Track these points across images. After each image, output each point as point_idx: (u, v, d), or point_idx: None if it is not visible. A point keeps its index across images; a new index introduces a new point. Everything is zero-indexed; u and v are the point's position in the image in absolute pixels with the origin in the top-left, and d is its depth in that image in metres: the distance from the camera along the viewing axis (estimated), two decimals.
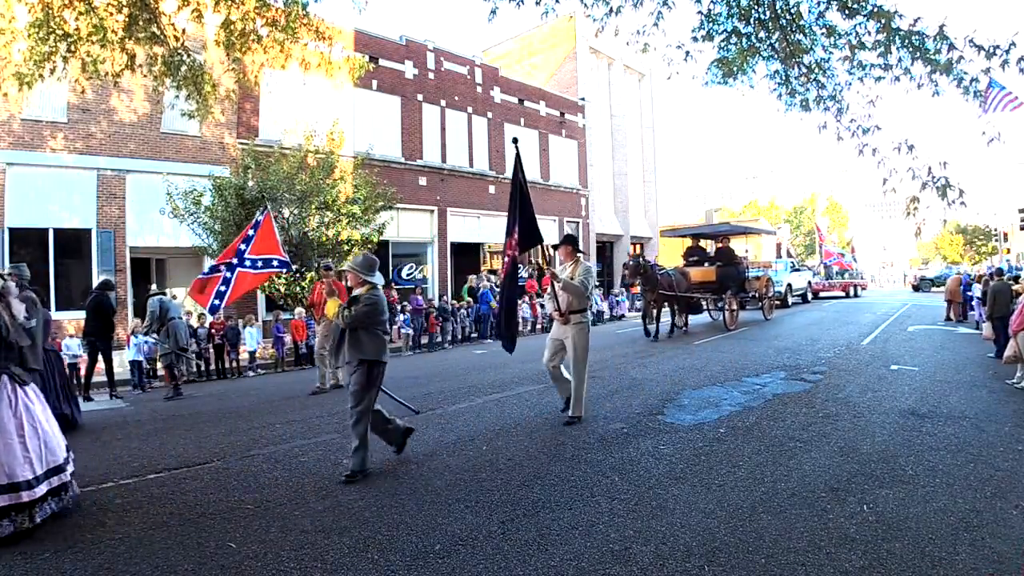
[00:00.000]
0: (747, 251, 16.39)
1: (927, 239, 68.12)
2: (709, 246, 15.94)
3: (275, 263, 8.40)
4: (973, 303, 13.76)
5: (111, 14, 5.92)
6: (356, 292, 4.34)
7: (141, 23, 6.14)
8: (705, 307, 14.07)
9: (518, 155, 5.65)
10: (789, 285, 20.31)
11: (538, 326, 16.96)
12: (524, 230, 5.51)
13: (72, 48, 5.93)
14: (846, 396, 6.23)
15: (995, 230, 34.55)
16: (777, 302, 18.98)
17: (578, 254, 5.69)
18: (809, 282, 23.19)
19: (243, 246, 8.07)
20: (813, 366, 8.13)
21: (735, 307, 13.63)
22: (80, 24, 5.82)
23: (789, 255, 26.39)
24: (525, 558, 2.83)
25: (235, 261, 7.99)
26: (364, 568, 2.79)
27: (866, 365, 8.17)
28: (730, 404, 6.02)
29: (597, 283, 18.41)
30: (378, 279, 4.40)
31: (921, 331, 12.30)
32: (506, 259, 5.58)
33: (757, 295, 15.01)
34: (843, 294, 25.73)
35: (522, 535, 3.09)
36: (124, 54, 6.31)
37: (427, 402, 6.76)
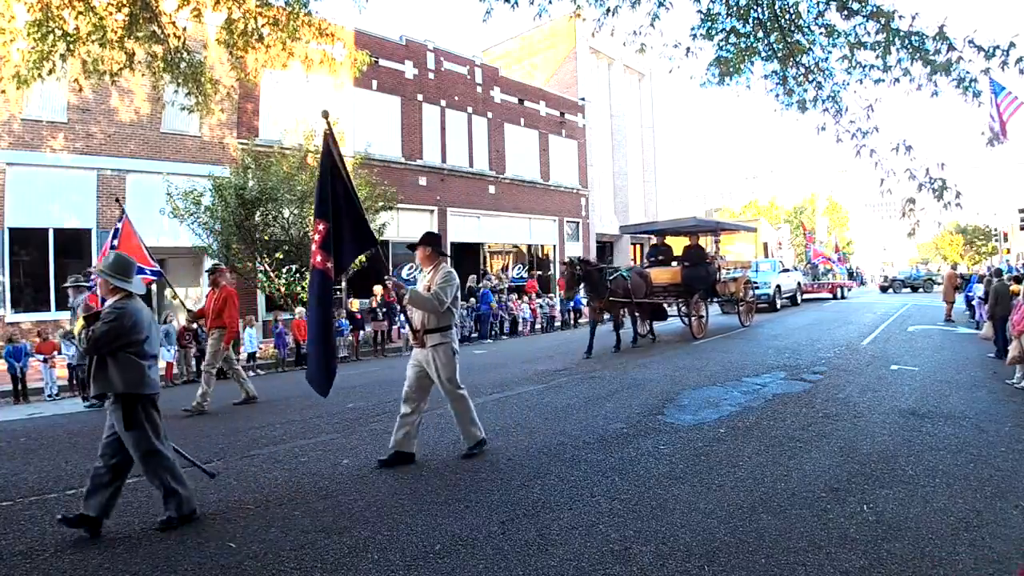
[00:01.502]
0: (714, 250, 14.30)
1: (927, 239, 68.19)
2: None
3: (147, 273, 7.65)
4: (974, 303, 13.74)
5: (111, 13, 5.92)
6: (107, 302, 3.45)
7: (141, 22, 6.14)
8: (679, 313, 12.56)
9: (329, 134, 4.19)
10: (778, 287, 19.36)
11: (537, 326, 16.97)
12: (346, 232, 4.21)
13: (71, 47, 5.93)
14: (846, 396, 6.23)
15: (995, 230, 34.56)
16: (764, 305, 18.22)
17: (440, 257, 4.64)
18: (799, 283, 22.30)
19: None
20: (813, 366, 8.13)
21: (703, 313, 12.28)
22: (80, 23, 5.82)
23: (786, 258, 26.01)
24: (525, 558, 2.83)
25: None
26: (364, 568, 2.79)
27: (866, 365, 8.16)
28: (730, 404, 6.02)
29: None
30: (135, 286, 3.48)
31: (921, 331, 12.30)
32: (315, 262, 4.08)
33: (733, 299, 13.73)
34: (830, 296, 24.85)
35: (522, 535, 3.08)
36: (124, 53, 6.30)
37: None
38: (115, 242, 7.50)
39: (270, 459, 4.73)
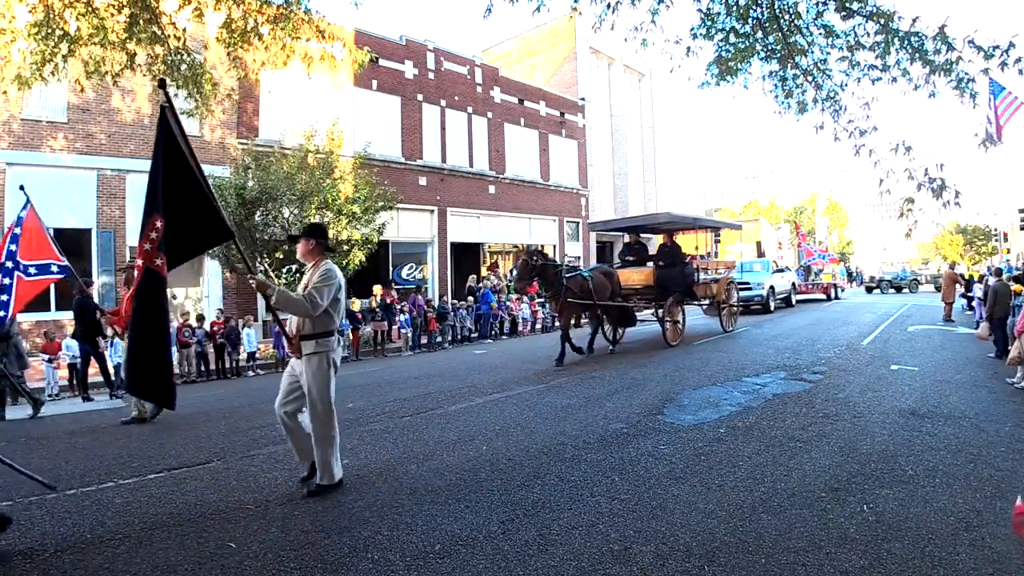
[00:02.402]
0: (713, 249, 14.05)
1: (927, 239, 68.17)
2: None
3: (54, 268, 7.32)
4: (974, 303, 13.74)
5: (112, 15, 5.92)
6: None
7: (142, 23, 6.14)
8: (656, 316, 11.24)
9: (168, 107, 3.40)
10: (772, 288, 18.56)
11: (538, 326, 16.97)
12: (188, 225, 3.54)
13: (72, 48, 5.94)
14: (846, 396, 6.23)
15: (995, 230, 34.54)
16: (758, 307, 17.83)
17: (326, 252, 4.13)
18: (794, 284, 21.44)
19: (12, 246, 6.83)
20: (813, 366, 8.13)
21: (678, 317, 11.17)
22: (81, 24, 5.82)
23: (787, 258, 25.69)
24: (525, 558, 2.83)
25: (9, 265, 6.82)
26: (364, 568, 2.79)
27: (866, 365, 8.16)
28: (730, 404, 6.02)
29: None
30: None
31: (921, 331, 12.30)
32: (138, 264, 3.39)
33: (715, 302, 12.57)
34: (824, 296, 23.76)
35: (522, 535, 3.09)
36: (124, 54, 6.31)
37: (427, 402, 6.77)
38: (18, 230, 6.85)
39: (270, 459, 4.74)
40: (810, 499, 3.47)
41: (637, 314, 11.53)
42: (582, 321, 10.31)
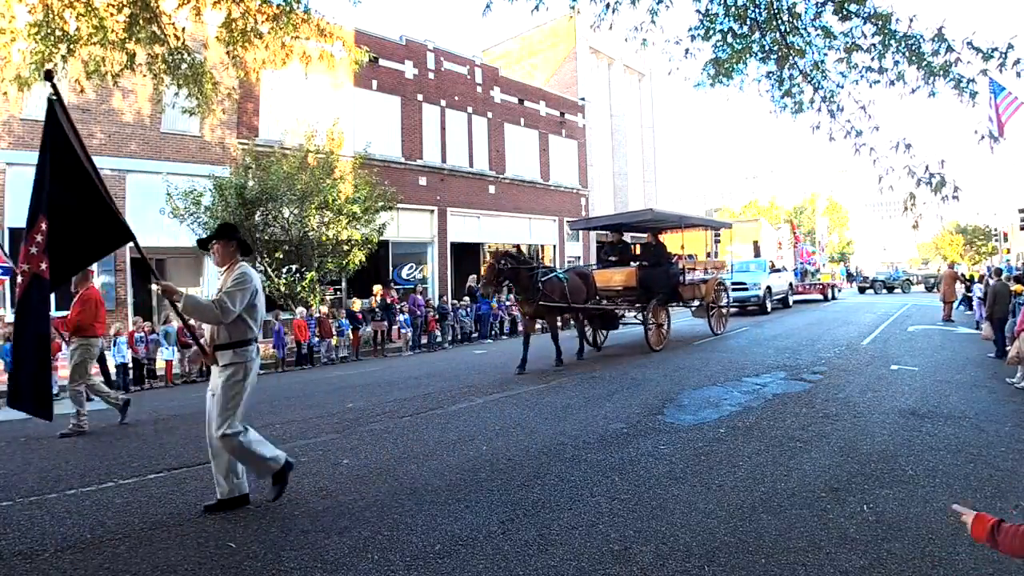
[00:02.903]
0: (714, 249, 13.72)
1: (927, 239, 68.18)
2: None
3: None
4: (974, 303, 13.73)
5: (111, 14, 5.92)
6: None
7: (141, 23, 6.14)
8: (638, 319, 10.70)
9: (57, 100, 3.35)
10: (768, 288, 18.09)
11: (538, 326, 16.90)
12: (79, 228, 3.33)
13: (72, 48, 5.94)
14: (846, 396, 6.23)
15: (995, 230, 34.54)
16: (754, 307, 17.49)
17: (239, 256, 3.74)
18: (791, 284, 21.01)
19: None
20: (813, 366, 8.13)
21: (662, 320, 10.54)
22: (80, 24, 5.82)
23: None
24: (525, 558, 2.83)
25: None
26: (364, 568, 2.79)
27: (866, 365, 8.17)
28: (730, 404, 6.02)
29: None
30: None
31: (921, 331, 12.30)
32: (23, 268, 3.25)
33: (703, 304, 12.00)
34: (820, 297, 23.35)
35: (522, 535, 3.09)
36: (124, 54, 6.31)
37: (427, 402, 6.77)
38: None
39: None
40: (810, 499, 3.47)
41: (622, 317, 11.10)
42: (557, 326, 9.57)
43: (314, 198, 12.86)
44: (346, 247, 13.47)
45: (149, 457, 4.97)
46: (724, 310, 12.86)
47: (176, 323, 11.41)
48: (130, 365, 10.04)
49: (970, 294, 15.64)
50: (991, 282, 9.98)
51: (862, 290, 30.05)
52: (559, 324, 9.78)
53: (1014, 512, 3.21)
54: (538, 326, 11.38)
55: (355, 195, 13.72)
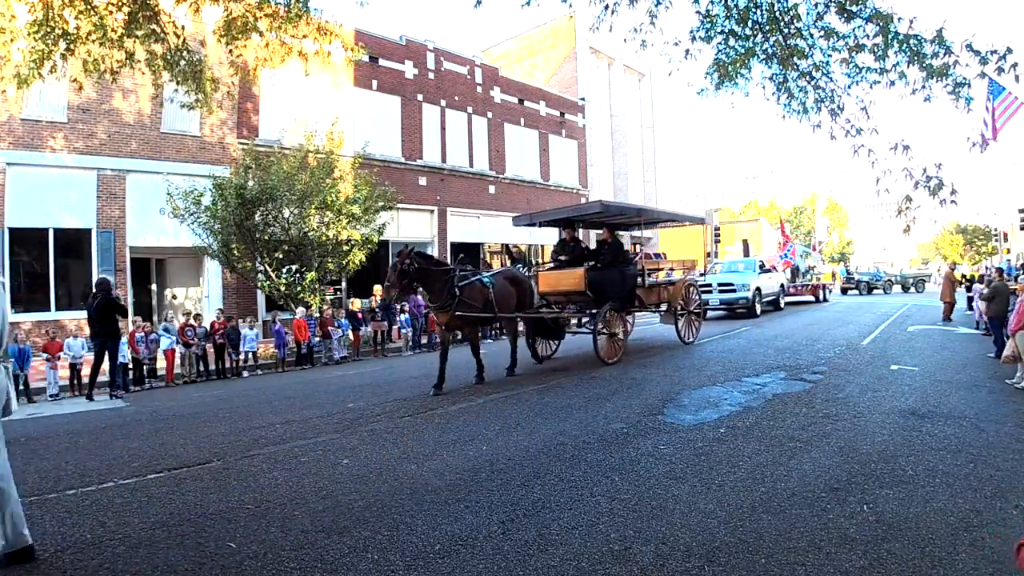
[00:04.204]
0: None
1: (927, 239, 68.19)
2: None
3: None
4: (974, 304, 13.71)
5: (111, 12, 5.92)
6: None
7: (141, 20, 6.14)
8: (592, 328, 9.07)
9: None
10: (758, 290, 16.99)
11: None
12: None
13: (72, 47, 5.93)
14: (846, 396, 6.23)
15: (995, 230, 34.54)
16: (743, 310, 16.52)
17: None
18: (783, 285, 19.92)
19: None
20: (813, 366, 8.13)
21: (617, 329, 9.19)
22: (80, 23, 5.82)
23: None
24: (525, 558, 2.83)
25: None
26: (364, 568, 2.79)
27: (866, 365, 8.16)
28: (730, 404, 6.02)
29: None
30: None
31: (921, 331, 12.30)
32: None
33: (670, 308, 10.69)
34: (812, 298, 22.67)
35: (522, 535, 3.08)
36: (123, 52, 6.31)
37: (427, 402, 6.77)
38: None
39: (270, 459, 4.73)
40: (810, 499, 3.47)
41: (567, 325, 9.87)
42: (478, 338, 8.31)
43: (314, 198, 12.87)
44: (346, 247, 13.47)
45: (149, 457, 4.97)
46: (696, 315, 11.40)
47: (177, 322, 11.42)
48: (130, 365, 10.04)
49: (970, 294, 15.63)
50: (994, 281, 9.97)
51: (844, 291, 29.48)
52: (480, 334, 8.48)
53: (1014, 512, 3.21)
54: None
55: (355, 195, 13.72)
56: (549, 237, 23.79)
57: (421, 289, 7.97)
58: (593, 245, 12.83)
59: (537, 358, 9.32)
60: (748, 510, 3.32)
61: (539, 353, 9.40)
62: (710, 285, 16.91)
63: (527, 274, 9.66)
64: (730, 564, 2.71)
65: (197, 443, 5.40)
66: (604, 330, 8.85)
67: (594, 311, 9.13)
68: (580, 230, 11.18)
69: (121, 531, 3.35)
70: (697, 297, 11.70)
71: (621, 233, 11.82)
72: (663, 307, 10.71)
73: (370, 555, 2.92)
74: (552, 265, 10.14)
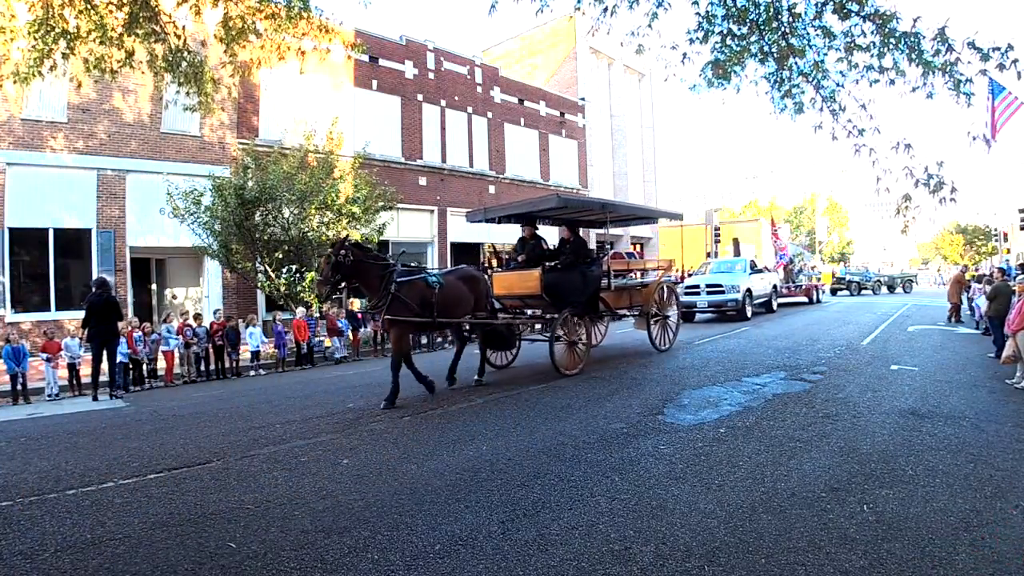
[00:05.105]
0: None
1: (927, 239, 68.19)
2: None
3: None
4: (974, 304, 13.69)
5: (111, 12, 5.92)
6: None
7: (141, 20, 6.14)
8: (559, 334, 8.01)
9: None
10: (748, 291, 16.07)
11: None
12: None
13: (71, 46, 5.94)
14: (846, 396, 6.23)
15: (995, 230, 34.53)
16: (732, 312, 15.57)
17: None
18: (775, 286, 18.89)
19: None
20: (813, 366, 8.13)
21: (581, 336, 8.34)
22: (80, 22, 5.82)
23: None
24: (525, 558, 2.83)
25: None
26: (364, 568, 2.79)
27: (866, 365, 8.17)
28: (730, 404, 6.02)
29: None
30: None
31: (921, 331, 12.30)
32: None
33: (644, 312, 9.87)
34: (805, 299, 21.97)
35: (522, 535, 3.09)
36: (123, 52, 6.31)
37: (427, 402, 6.77)
38: None
39: (270, 459, 4.73)
40: (810, 499, 3.47)
41: (520, 333, 8.88)
42: (407, 347, 7.15)
43: (314, 198, 12.86)
44: None
45: (149, 457, 4.96)
46: (671, 320, 10.54)
47: (176, 322, 11.41)
48: (130, 365, 10.04)
49: (970, 294, 15.61)
50: (995, 281, 9.96)
51: (834, 291, 29.10)
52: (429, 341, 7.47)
53: (1014, 512, 3.22)
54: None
55: (355, 195, 13.72)
56: (549, 238, 23.81)
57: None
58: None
59: (481, 372, 8.00)
60: (748, 510, 3.32)
61: (482, 367, 8.08)
62: (697, 286, 16.28)
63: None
64: (730, 564, 2.71)
65: (197, 443, 5.40)
66: (563, 338, 8.03)
67: (554, 315, 8.24)
68: (548, 227, 10.25)
69: (121, 531, 3.34)
70: (673, 300, 10.96)
71: (618, 232, 11.33)
72: (633, 311, 9.98)
73: (370, 555, 2.92)
74: (514, 266, 8.99)
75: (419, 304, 6.88)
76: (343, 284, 6.96)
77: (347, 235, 7.28)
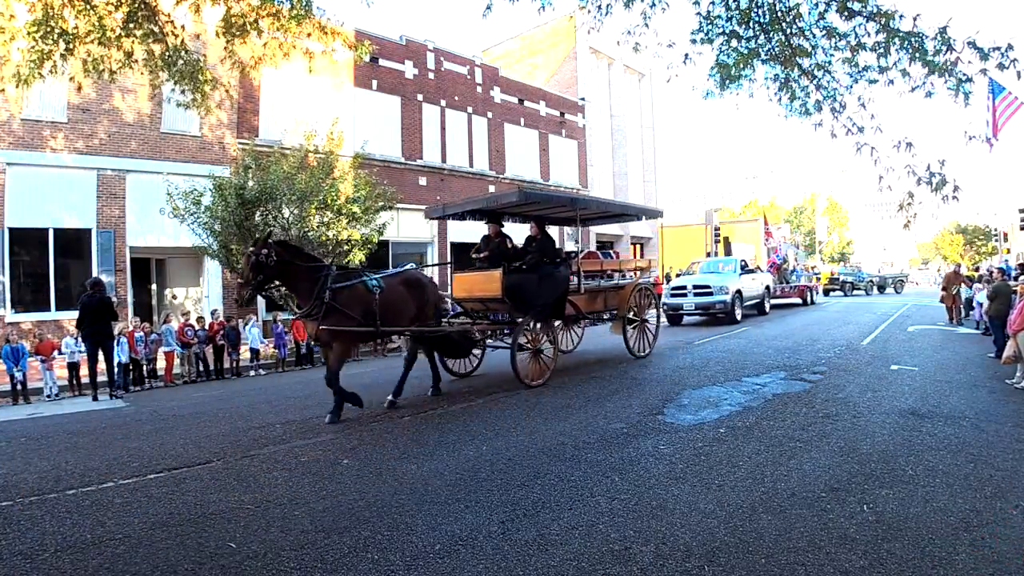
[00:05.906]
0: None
1: (927, 239, 68.18)
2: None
3: None
4: (974, 304, 13.67)
5: (110, 12, 5.92)
6: None
7: (140, 20, 6.14)
8: (511, 343, 7.34)
9: None
10: (739, 292, 15.40)
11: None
12: None
13: (71, 46, 5.94)
14: (846, 396, 6.23)
15: (995, 230, 34.52)
16: (721, 315, 14.89)
17: None
18: (768, 287, 18.33)
19: None
20: (813, 366, 8.13)
21: (547, 342, 7.78)
22: (79, 22, 5.82)
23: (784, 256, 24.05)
24: (525, 558, 2.83)
25: None
26: (364, 568, 2.79)
27: (866, 365, 8.17)
28: (730, 404, 6.02)
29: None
30: None
31: (921, 331, 12.30)
32: None
33: (618, 316, 9.36)
34: (799, 300, 21.60)
35: (522, 535, 3.09)
36: (122, 52, 6.31)
37: (427, 402, 6.77)
38: None
39: (270, 459, 4.73)
40: (810, 499, 3.47)
41: (478, 341, 8.11)
42: (341, 358, 6.31)
43: (314, 198, 12.85)
44: (346, 247, 13.45)
45: (149, 457, 4.97)
46: (650, 325, 10.02)
47: (176, 322, 11.41)
48: (130, 366, 10.04)
49: (970, 295, 15.59)
50: (995, 281, 9.95)
51: (827, 292, 28.81)
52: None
53: (1014, 512, 3.21)
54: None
55: (355, 195, 13.71)
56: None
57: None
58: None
59: (435, 383, 7.30)
60: (748, 510, 3.32)
61: (436, 381, 7.35)
62: (685, 287, 15.74)
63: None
64: (730, 564, 2.71)
65: (197, 443, 5.40)
66: (526, 345, 7.41)
67: (519, 320, 7.47)
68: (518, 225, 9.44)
69: (121, 531, 3.34)
70: (652, 303, 10.30)
71: (619, 232, 10.86)
72: (605, 315, 9.44)
73: (370, 555, 2.92)
74: (478, 266, 8.19)
75: (361, 313, 6.16)
76: (268, 287, 6.22)
77: (270, 232, 6.70)
